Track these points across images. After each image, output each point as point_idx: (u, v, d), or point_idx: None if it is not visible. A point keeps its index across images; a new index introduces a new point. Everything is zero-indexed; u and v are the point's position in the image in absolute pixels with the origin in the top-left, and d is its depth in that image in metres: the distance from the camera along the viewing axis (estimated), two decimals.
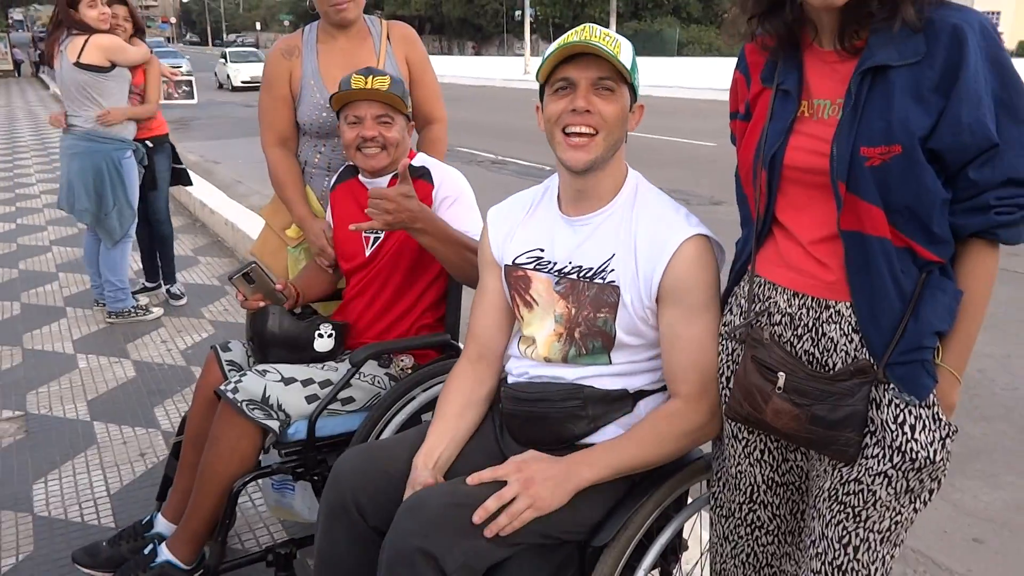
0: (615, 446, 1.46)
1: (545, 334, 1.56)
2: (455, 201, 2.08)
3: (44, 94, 22.81)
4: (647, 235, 1.48)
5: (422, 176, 2.10)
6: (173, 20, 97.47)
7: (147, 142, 4.19)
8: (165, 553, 1.96)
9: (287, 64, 2.41)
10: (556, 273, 1.55)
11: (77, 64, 3.76)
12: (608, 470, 1.43)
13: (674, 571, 1.67)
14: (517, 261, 1.61)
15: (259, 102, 2.49)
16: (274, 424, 1.90)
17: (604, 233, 1.52)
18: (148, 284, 4.68)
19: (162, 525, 2.09)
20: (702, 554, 1.83)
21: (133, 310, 4.24)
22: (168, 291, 4.60)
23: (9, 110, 18.15)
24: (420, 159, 2.17)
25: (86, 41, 3.74)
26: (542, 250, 1.58)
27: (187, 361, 3.75)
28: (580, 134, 1.44)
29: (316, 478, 2.02)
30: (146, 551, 1.98)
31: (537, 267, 1.58)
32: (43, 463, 2.81)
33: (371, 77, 2.02)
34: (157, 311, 4.31)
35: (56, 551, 2.32)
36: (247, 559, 2.01)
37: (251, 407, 1.88)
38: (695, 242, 1.46)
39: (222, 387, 1.90)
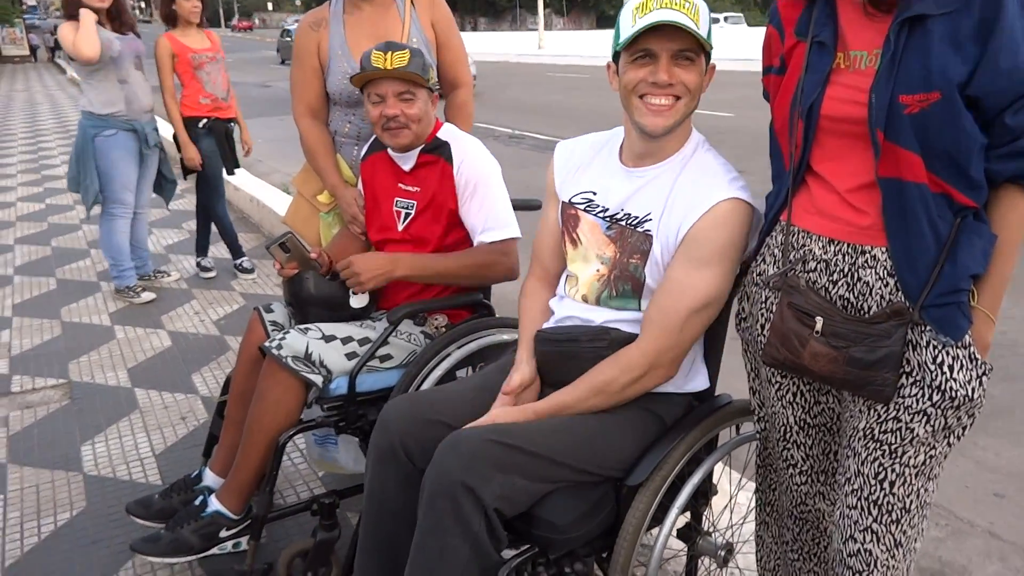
0: None
1: (588, 274, 1.64)
2: (476, 186, 2.11)
3: (61, 78, 22.96)
4: (689, 191, 1.53)
5: (440, 153, 2.14)
6: None
7: (203, 121, 4.28)
8: (215, 504, 2.05)
9: (315, 36, 2.46)
10: (607, 218, 1.62)
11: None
12: None
13: (703, 514, 1.74)
14: (572, 200, 1.69)
15: (290, 75, 2.55)
16: (317, 379, 1.98)
17: (655, 186, 1.57)
18: (235, 262, 4.72)
19: (210, 479, 2.18)
20: (731, 498, 1.90)
21: (127, 289, 4.30)
22: (198, 264, 4.70)
23: (29, 94, 18.32)
24: (444, 132, 2.20)
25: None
26: (594, 193, 1.65)
27: (220, 331, 3.85)
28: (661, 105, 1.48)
29: (358, 432, 2.11)
30: (196, 502, 2.08)
31: (587, 209, 1.65)
32: (89, 427, 2.92)
33: (390, 53, 2.03)
34: (148, 296, 4.28)
35: (108, 506, 2.43)
36: (293, 509, 2.10)
37: (295, 362, 1.96)
38: (731, 204, 1.49)
39: (267, 344, 1.98)
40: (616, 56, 1.53)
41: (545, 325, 1.72)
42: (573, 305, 1.67)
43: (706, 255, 1.49)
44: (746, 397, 1.59)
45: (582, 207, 1.67)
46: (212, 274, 4.66)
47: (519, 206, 2.30)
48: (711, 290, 1.50)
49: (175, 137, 4.33)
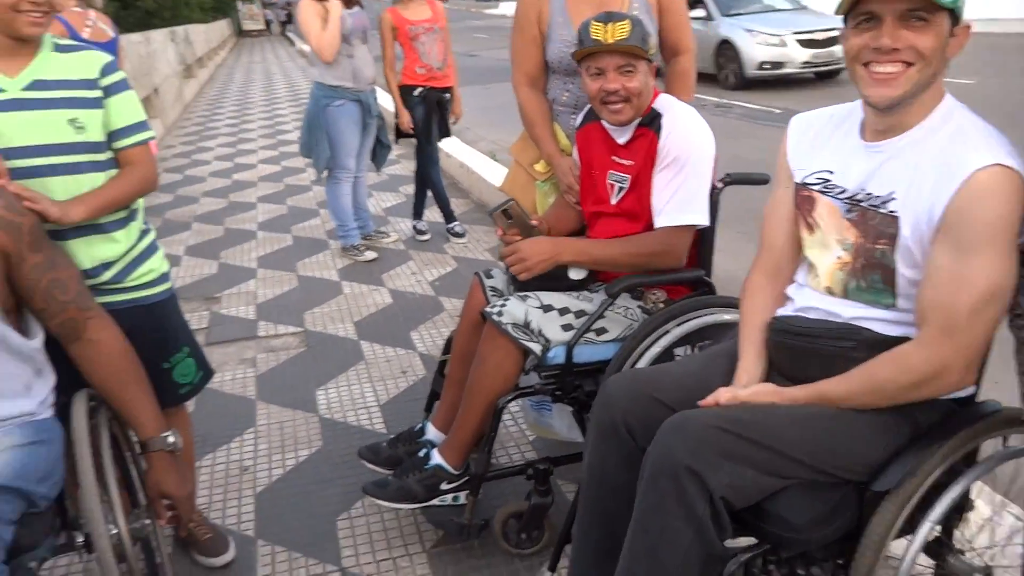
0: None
1: (828, 262, 1.53)
2: (674, 162, 2.02)
3: (292, 50, 25.05)
4: (939, 162, 1.35)
5: (652, 126, 2.07)
6: None
7: (418, 90, 4.50)
8: (437, 457, 2.17)
9: (536, 4, 2.46)
10: (847, 200, 1.49)
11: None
12: None
13: (956, 531, 1.59)
14: (806, 181, 1.58)
15: (511, 43, 2.58)
16: (536, 347, 2.02)
17: (898, 162, 1.43)
18: (447, 226, 4.91)
19: (432, 433, 2.31)
20: (989, 517, 1.73)
21: (352, 248, 4.63)
22: (414, 227, 4.98)
23: (264, 65, 20.19)
24: (660, 102, 2.12)
25: None
26: (831, 172, 1.53)
27: (435, 292, 4.06)
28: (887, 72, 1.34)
29: (573, 401, 2.14)
30: (420, 454, 2.22)
31: (824, 190, 1.54)
32: (322, 374, 3.21)
33: (611, 25, 1.98)
34: (370, 255, 4.59)
35: (340, 448, 2.66)
36: (509, 470, 2.18)
37: (515, 329, 2.02)
38: (993, 172, 1.29)
39: (488, 309, 2.06)
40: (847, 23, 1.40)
41: (781, 312, 1.63)
42: (815, 296, 1.56)
43: (972, 238, 1.30)
44: (1016, 405, 1.43)
45: (818, 188, 1.54)
46: (427, 237, 4.91)
47: (743, 180, 2.20)
48: (991, 281, 1.30)
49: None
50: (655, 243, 2.05)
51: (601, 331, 2.10)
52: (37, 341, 1.58)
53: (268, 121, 10.34)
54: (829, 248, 1.53)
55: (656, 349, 2.02)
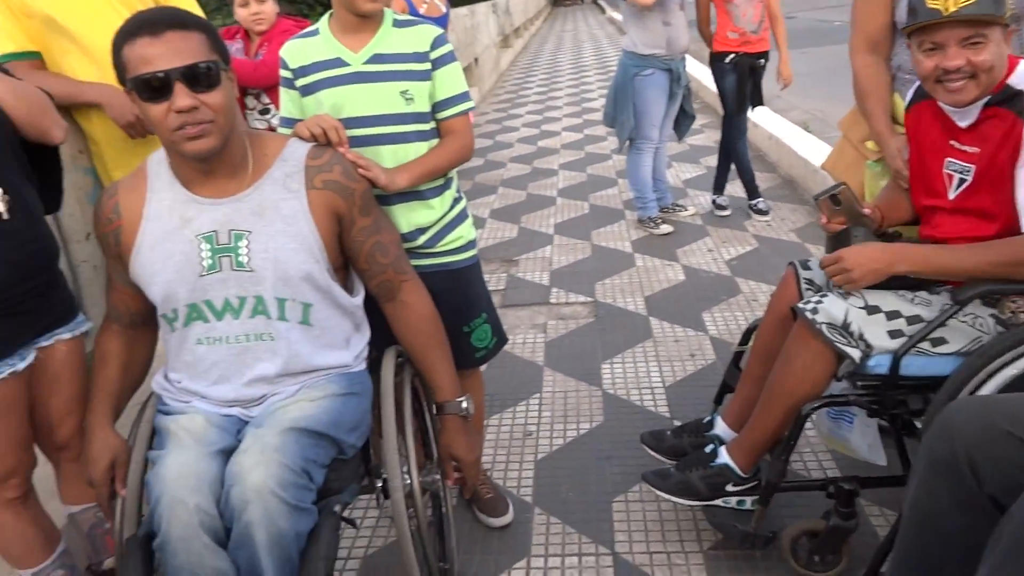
0: None
1: None
2: None
3: (602, 18, 25.35)
4: None
5: (1012, 106, 1.65)
6: None
7: (730, 56, 4.27)
8: (724, 456, 2.01)
9: None
10: None
11: None
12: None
13: None
14: None
15: (854, 4, 2.25)
16: (855, 352, 1.76)
17: None
18: (750, 202, 4.63)
19: (721, 428, 2.15)
20: None
21: (648, 220, 4.48)
22: (713, 202, 4.73)
23: (575, 33, 20.68)
24: (1020, 72, 1.69)
25: None
26: None
27: (731, 271, 3.82)
28: None
29: (892, 419, 1.85)
30: (707, 450, 2.07)
31: None
32: (609, 347, 3.17)
33: None
34: (666, 228, 4.42)
35: (620, 426, 2.61)
36: (807, 483, 1.96)
37: (830, 330, 1.78)
38: None
39: (801, 305, 1.83)
40: None
41: None
42: None
43: None
44: None
45: None
46: (727, 212, 4.65)
47: None
48: None
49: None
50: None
51: (939, 341, 1.77)
52: (358, 298, 1.70)
53: (575, 89, 10.56)
54: None
55: (1011, 371, 1.66)
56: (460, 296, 2.01)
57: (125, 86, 1.41)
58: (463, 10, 10.32)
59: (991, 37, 1.63)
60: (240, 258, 1.50)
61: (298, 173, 1.56)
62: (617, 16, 5.24)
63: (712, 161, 4.96)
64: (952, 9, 1.61)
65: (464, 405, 1.75)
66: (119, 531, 1.47)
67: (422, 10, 4.86)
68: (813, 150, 5.17)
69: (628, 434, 2.54)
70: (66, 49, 2.13)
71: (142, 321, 1.65)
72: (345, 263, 1.67)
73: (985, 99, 1.70)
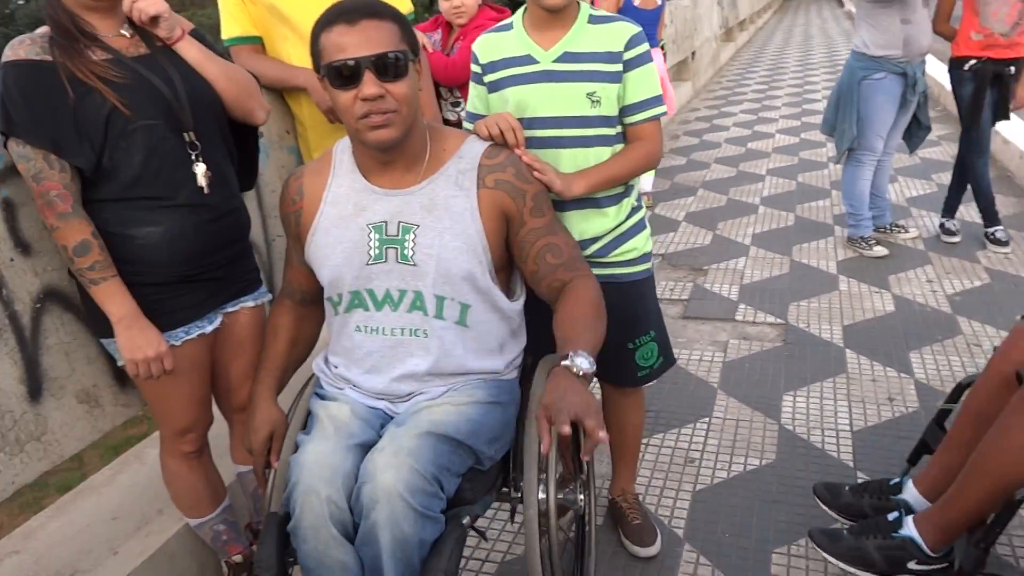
0: None
1: None
2: None
3: (838, 12, 23.59)
4: None
5: None
6: None
7: (970, 62, 3.76)
8: (910, 527, 1.76)
9: None
10: None
11: None
12: None
13: None
14: None
15: None
16: None
17: None
18: (986, 230, 4.06)
19: (911, 494, 1.88)
20: None
21: (860, 240, 4.06)
22: (941, 225, 4.21)
23: (806, 27, 19.39)
24: None
25: None
26: None
27: (952, 308, 3.37)
28: None
29: None
30: (890, 517, 1.82)
31: None
32: (794, 377, 2.90)
33: None
34: (880, 251, 3.97)
35: (794, 468, 2.37)
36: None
37: None
38: None
39: None
40: None
41: None
42: None
43: None
44: None
45: None
46: (956, 239, 4.11)
47: None
48: None
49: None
50: None
51: None
52: (518, 303, 1.65)
53: (796, 88, 9.89)
54: None
55: None
56: (629, 310, 1.90)
57: (319, 73, 1.45)
58: (685, 1, 9.99)
59: None
60: (405, 251, 1.50)
61: (471, 171, 1.53)
62: (855, 9, 4.82)
63: (945, 178, 4.40)
64: None
65: (579, 361, 1.38)
66: (267, 504, 1.53)
67: (637, 2, 4.72)
68: None
69: (801, 478, 2.30)
70: (284, 35, 2.25)
71: (312, 300, 1.70)
72: (509, 264, 1.62)
73: None
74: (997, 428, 1.59)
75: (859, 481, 2.27)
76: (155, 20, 1.59)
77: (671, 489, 2.32)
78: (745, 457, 2.44)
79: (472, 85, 1.88)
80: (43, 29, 1.54)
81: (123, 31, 1.60)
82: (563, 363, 1.37)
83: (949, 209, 4.18)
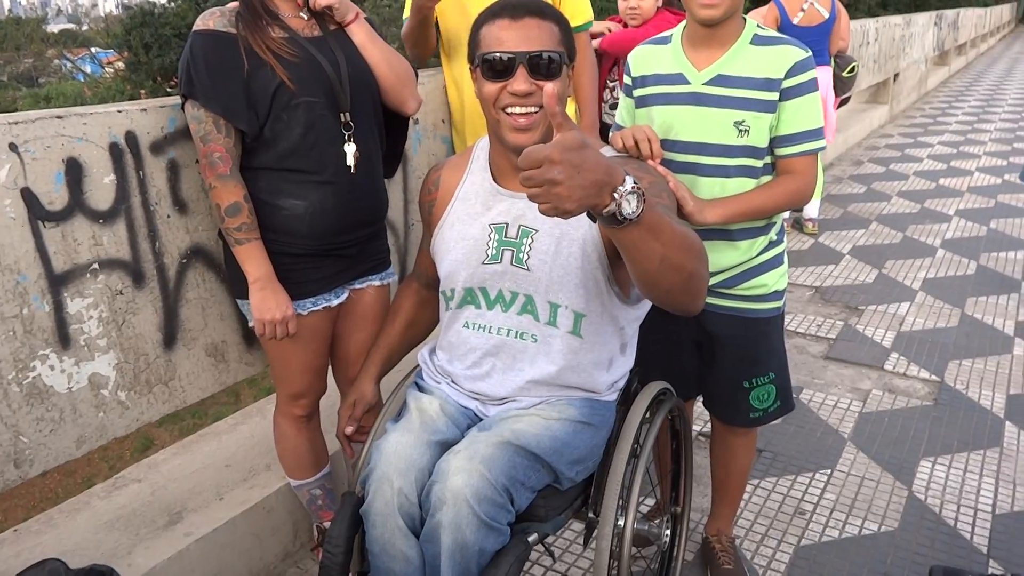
0: None
1: None
2: None
3: None
4: None
5: None
6: None
7: None
8: None
9: None
10: None
11: None
12: None
13: None
14: None
15: None
16: None
17: None
18: None
19: None
20: None
21: None
22: None
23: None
24: None
25: None
26: None
27: None
28: None
29: None
30: None
31: None
32: (938, 442, 2.64)
33: None
34: None
35: (916, 541, 2.16)
36: None
37: None
38: None
39: None
40: None
41: None
42: None
43: None
44: None
45: None
46: None
47: None
48: None
49: None
50: None
51: None
52: (639, 309, 1.59)
53: (1010, 124, 8.95)
54: None
55: None
56: (750, 347, 1.80)
57: (473, 63, 1.48)
58: (897, 19, 9.29)
59: None
60: (520, 254, 1.51)
61: None
62: None
63: None
64: None
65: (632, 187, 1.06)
66: (350, 482, 1.60)
67: (796, 20, 4.41)
68: None
69: (921, 555, 2.10)
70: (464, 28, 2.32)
71: (436, 286, 1.75)
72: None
73: None
74: None
75: (990, 569, 2.05)
76: (329, 8, 1.70)
77: (773, 539, 2.19)
78: (863, 519, 2.26)
79: (622, 97, 1.85)
80: (233, 4, 1.68)
81: (302, 13, 1.72)
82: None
83: None
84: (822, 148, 1.67)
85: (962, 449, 2.60)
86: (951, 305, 3.80)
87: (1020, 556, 2.10)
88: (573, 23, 2.43)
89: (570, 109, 2.60)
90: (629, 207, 1.05)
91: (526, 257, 1.50)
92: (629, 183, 1.05)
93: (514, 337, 1.53)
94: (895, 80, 9.48)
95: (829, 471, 2.49)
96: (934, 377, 3.09)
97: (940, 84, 13.11)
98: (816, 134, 1.65)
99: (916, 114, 9.91)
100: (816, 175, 1.70)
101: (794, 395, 1.84)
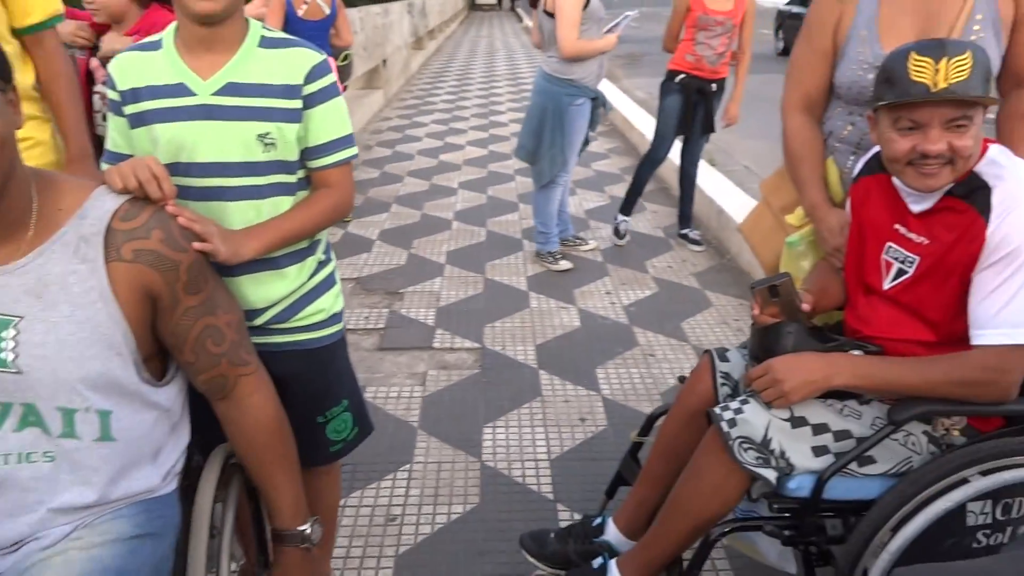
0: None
1: None
2: (1009, 257, 1.37)
3: (517, 27, 25.24)
4: None
5: (973, 201, 1.42)
6: None
7: (680, 76, 4.13)
8: (614, 571, 1.71)
9: (838, 8, 1.86)
10: None
11: (545, 11, 3.82)
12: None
13: None
14: None
15: (792, 55, 1.99)
16: (770, 474, 1.50)
17: None
18: (681, 231, 4.56)
19: (612, 534, 1.85)
20: None
21: (548, 255, 4.21)
22: (686, 236, 4.51)
23: (489, 40, 20.43)
24: (990, 163, 1.45)
25: None
26: None
27: (629, 319, 3.56)
28: None
29: (807, 546, 1.59)
30: (595, 564, 1.76)
31: None
32: (493, 405, 2.83)
33: (945, 62, 1.35)
34: (565, 264, 4.15)
35: (498, 510, 2.27)
36: None
37: (745, 447, 1.50)
38: None
39: (718, 411, 1.55)
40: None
41: None
42: None
43: None
44: None
45: None
46: (700, 248, 4.43)
47: None
48: None
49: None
50: (979, 368, 1.41)
51: (866, 460, 1.53)
52: (176, 386, 1.29)
53: (484, 99, 10.24)
54: None
55: (943, 504, 1.43)
56: (317, 381, 1.62)
57: None
58: (376, 8, 9.82)
59: (975, 120, 1.40)
60: (3, 355, 1.08)
61: (98, 237, 1.14)
62: (531, 24, 5.02)
63: (617, 191, 4.72)
64: (942, 86, 1.36)
65: (308, 532, 1.38)
66: None
67: (300, 12, 4.40)
68: (717, 187, 5.02)
69: (506, 521, 2.20)
70: None
71: None
72: (160, 350, 1.26)
73: (948, 187, 1.46)
74: (690, 469, 1.59)
75: (560, 514, 2.24)
76: None
77: (372, 556, 2.09)
78: (449, 505, 2.29)
79: (110, 117, 1.47)
80: None
81: None
82: (292, 543, 1.39)
83: (683, 219, 4.54)
84: (355, 155, 1.55)
85: (512, 407, 2.82)
86: (475, 273, 4.14)
87: (575, 493, 2.33)
88: (29, 21, 1.94)
89: (45, 134, 2.08)
90: None
91: (12, 356, 1.09)
92: None
93: (22, 462, 1.12)
94: (384, 65, 10.10)
95: (408, 466, 2.48)
96: (476, 344, 3.32)
97: (421, 67, 14.42)
98: (347, 141, 1.52)
99: (407, 96, 10.71)
100: (352, 185, 1.58)
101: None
